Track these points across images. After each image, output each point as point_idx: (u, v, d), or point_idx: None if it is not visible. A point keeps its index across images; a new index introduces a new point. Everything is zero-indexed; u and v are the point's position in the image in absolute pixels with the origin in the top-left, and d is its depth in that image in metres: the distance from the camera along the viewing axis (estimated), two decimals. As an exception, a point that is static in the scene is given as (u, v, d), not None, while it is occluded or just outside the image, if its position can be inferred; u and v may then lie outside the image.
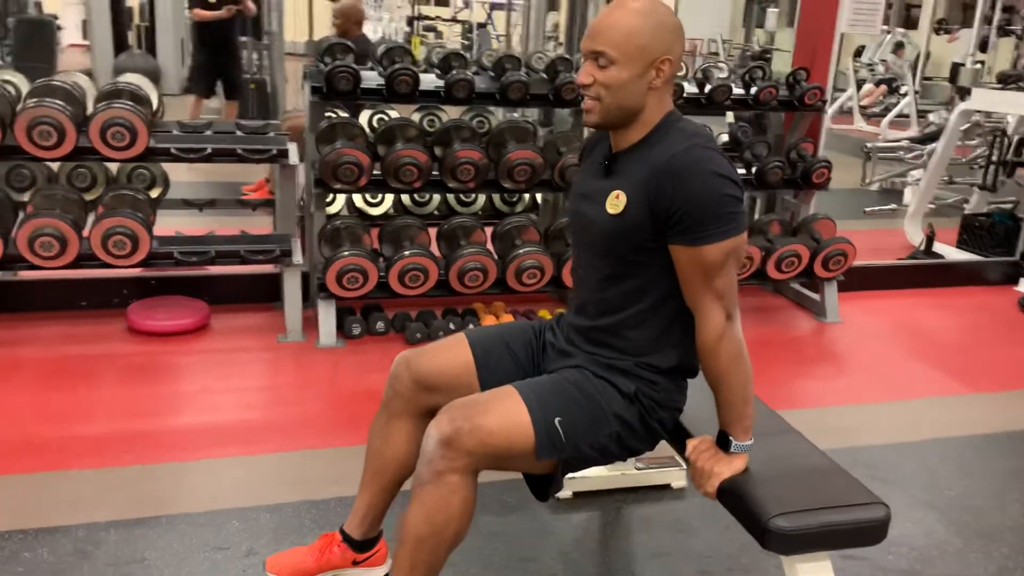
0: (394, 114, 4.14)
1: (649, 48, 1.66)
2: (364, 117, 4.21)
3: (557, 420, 1.71)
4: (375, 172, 3.53)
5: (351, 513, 2.05)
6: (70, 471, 2.53)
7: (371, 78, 3.60)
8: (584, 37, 1.73)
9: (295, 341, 3.54)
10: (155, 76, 10.34)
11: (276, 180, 3.83)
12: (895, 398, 3.46)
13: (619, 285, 1.78)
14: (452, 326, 3.62)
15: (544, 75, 3.80)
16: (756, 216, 4.61)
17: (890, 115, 10.63)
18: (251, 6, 7.55)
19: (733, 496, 1.72)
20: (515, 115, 4.33)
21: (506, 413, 1.70)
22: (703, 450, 1.80)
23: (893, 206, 6.47)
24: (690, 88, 4.08)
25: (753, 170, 4.16)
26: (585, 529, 2.43)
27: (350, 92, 3.54)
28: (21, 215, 3.33)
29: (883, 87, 12.88)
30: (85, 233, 3.28)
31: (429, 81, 3.69)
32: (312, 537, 2.17)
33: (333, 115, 3.85)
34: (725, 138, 4.80)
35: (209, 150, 3.43)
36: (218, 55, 7.41)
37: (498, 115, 4.33)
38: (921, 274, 4.97)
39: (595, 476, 2.55)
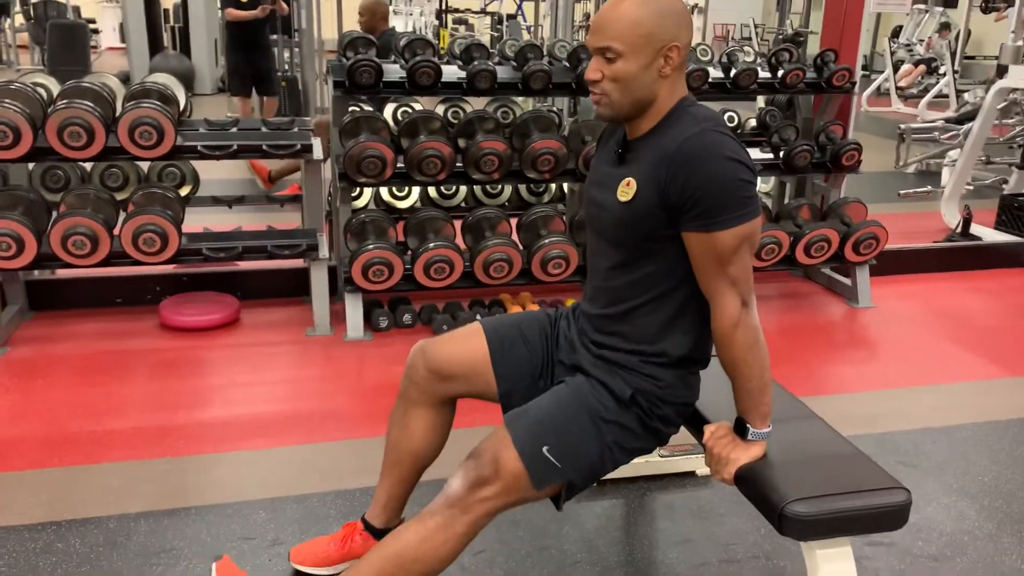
0: (419, 107, 4.16)
1: (655, 37, 1.65)
2: (389, 110, 4.23)
3: (545, 448, 1.70)
4: (399, 165, 3.54)
5: (372, 502, 2.07)
6: (102, 464, 2.59)
7: (393, 71, 3.61)
8: (591, 32, 1.71)
9: (323, 335, 3.58)
10: (189, 76, 10.53)
11: (302, 175, 3.87)
12: (928, 383, 3.40)
13: (628, 274, 1.77)
14: (479, 317, 3.63)
15: (567, 64, 3.79)
16: (786, 201, 4.56)
17: (928, 96, 10.42)
18: (284, 5, 7.60)
19: (750, 482, 1.71)
20: (542, 105, 4.33)
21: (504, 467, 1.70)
22: (720, 436, 1.79)
23: (928, 188, 6.34)
24: (715, 73, 4.04)
25: (781, 154, 4.11)
26: (608, 516, 2.43)
27: (372, 86, 3.57)
28: (55, 215, 3.39)
29: (922, 67, 12.61)
30: (116, 231, 3.35)
31: (451, 73, 3.70)
32: (337, 527, 2.20)
33: (357, 109, 3.88)
34: (753, 123, 4.75)
35: (235, 147, 3.48)
36: (252, 54, 7.47)
37: (526, 105, 4.33)
38: (957, 257, 4.87)
39: (618, 464, 2.55)
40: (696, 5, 16.51)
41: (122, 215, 3.54)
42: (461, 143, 3.64)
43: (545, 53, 3.86)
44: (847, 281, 4.25)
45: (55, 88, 3.58)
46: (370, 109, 3.98)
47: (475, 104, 4.21)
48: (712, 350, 1.80)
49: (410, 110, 4.03)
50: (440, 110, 4.17)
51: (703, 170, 1.62)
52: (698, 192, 1.62)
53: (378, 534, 2.05)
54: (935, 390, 3.35)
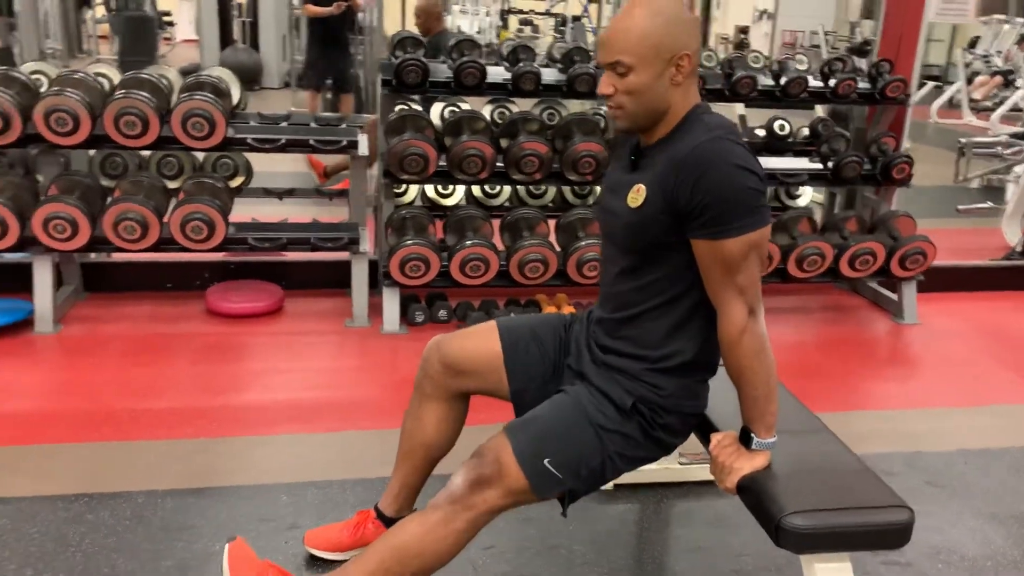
0: (467, 107, 4.20)
1: (663, 47, 1.66)
2: (437, 110, 4.28)
3: (547, 461, 1.72)
4: (441, 164, 3.59)
5: (386, 491, 2.12)
6: (138, 441, 2.69)
7: (440, 71, 3.67)
8: (599, 48, 1.74)
9: (361, 326, 3.65)
10: (256, 70, 10.78)
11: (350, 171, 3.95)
12: (970, 404, 3.32)
13: (636, 279, 1.77)
14: (512, 315, 3.66)
15: None
16: (835, 212, 4.49)
17: (1001, 109, 10.09)
18: (359, 2, 7.69)
19: (751, 492, 1.70)
20: (590, 108, 4.34)
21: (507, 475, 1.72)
22: (725, 445, 1.79)
23: (988, 204, 6.15)
24: (764, 80, 4.00)
25: (829, 164, 4.04)
26: (622, 520, 2.43)
27: (419, 85, 3.63)
28: (110, 200, 3.53)
29: (998, 79, 12.20)
30: (166, 218, 3.47)
31: (497, 74, 3.74)
32: (354, 514, 2.25)
33: (406, 108, 3.95)
34: (807, 132, 4.68)
35: (283, 141, 3.57)
36: (328, 50, 7.56)
37: (575, 108, 4.34)
38: (1015, 276, 4.73)
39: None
40: (765, 11, 16.29)
41: (173, 203, 3.66)
42: (503, 143, 3.68)
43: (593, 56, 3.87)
44: (894, 296, 4.16)
45: (117, 79, 3.72)
46: (419, 108, 4.04)
47: (524, 106, 4.24)
48: (719, 358, 1.80)
49: (457, 110, 4.08)
50: (487, 110, 4.21)
51: (712, 177, 1.63)
52: (706, 199, 1.63)
53: (390, 522, 2.10)
54: (976, 411, 3.26)
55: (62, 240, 3.31)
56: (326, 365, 3.35)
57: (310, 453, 2.70)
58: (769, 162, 4.22)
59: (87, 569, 2.08)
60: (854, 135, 4.44)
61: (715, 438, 1.82)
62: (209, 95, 3.43)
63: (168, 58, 13.72)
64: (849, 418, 3.15)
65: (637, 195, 1.73)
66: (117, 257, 3.95)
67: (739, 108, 6.72)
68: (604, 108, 4.49)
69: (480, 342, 1.99)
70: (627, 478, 2.51)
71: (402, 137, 3.53)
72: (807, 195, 4.93)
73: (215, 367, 3.26)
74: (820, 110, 5.49)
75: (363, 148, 3.64)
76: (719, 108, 5.48)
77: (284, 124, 3.73)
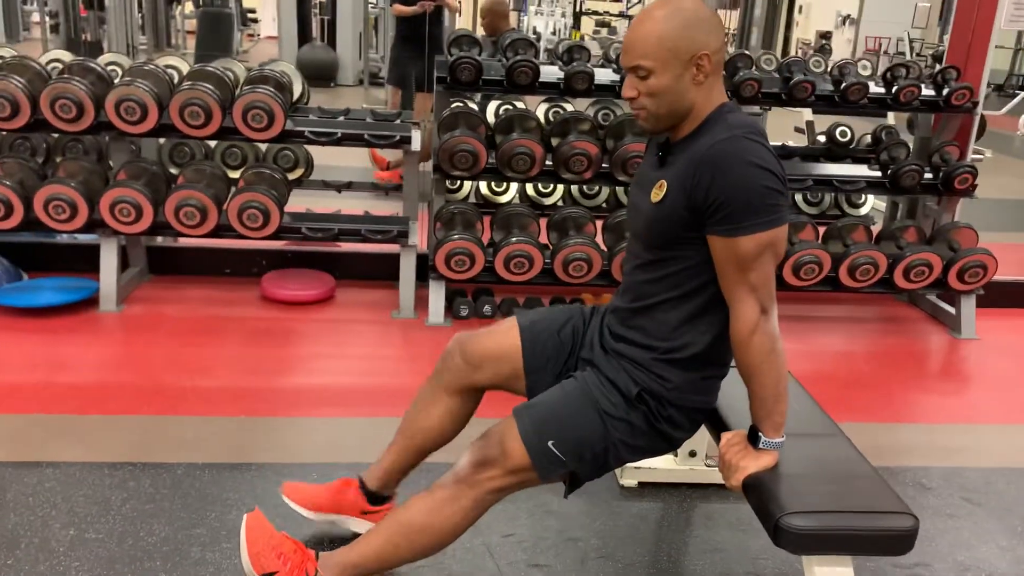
0: (521, 105, 4.26)
1: (682, 49, 1.68)
2: (492, 108, 4.35)
3: (551, 443, 1.76)
4: (491, 161, 3.65)
5: (375, 464, 2.17)
6: (183, 416, 2.82)
7: (494, 69, 3.72)
8: (622, 52, 1.77)
9: (407, 318, 3.74)
10: (332, 67, 11.03)
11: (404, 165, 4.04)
12: (1018, 422, 3.22)
13: (654, 271, 1.80)
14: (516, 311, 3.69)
15: None
16: (894, 221, 4.39)
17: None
18: (452, 2, 7.79)
19: (755, 491, 1.71)
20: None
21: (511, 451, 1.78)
22: (733, 444, 1.80)
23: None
24: (824, 86, 3.94)
25: (888, 172, 3.96)
26: (642, 517, 2.45)
27: (472, 83, 3.69)
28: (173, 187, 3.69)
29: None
30: (225, 206, 3.61)
31: (551, 73, 3.78)
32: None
33: (461, 105, 4.02)
34: (869, 139, 4.60)
35: (339, 135, 3.68)
36: (413, 48, 7.66)
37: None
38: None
39: (661, 468, 2.57)
40: (848, 16, 15.92)
41: (233, 191, 3.80)
42: (554, 142, 3.71)
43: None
44: (952, 310, 4.05)
45: (186, 71, 3.88)
46: (474, 106, 4.10)
47: (580, 106, 4.27)
48: (730, 356, 1.80)
49: (512, 108, 4.13)
50: (542, 109, 4.26)
51: (729, 175, 1.64)
52: (723, 196, 1.64)
53: (370, 496, 2.16)
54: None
55: (127, 223, 3.47)
56: (368, 353, 3.44)
57: (344, 436, 2.79)
58: (826, 168, 4.16)
59: (125, 532, 2.20)
60: (918, 144, 4.34)
61: (725, 436, 1.83)
62: (270, 89, 3.56)
63: (251, 53, 14.17)
64: (891, 430, 3.10)
65: (660, 190, 1.76)
66: (181, 242, 4.12)
67: (807, 114, 6.63)
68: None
69: (502, 339, 2.03)
70: (651, 476, 2.57)
71: (453, 133, 3.60)
72: (869, 203, 4.84)
73: (263, 350, 3.38)
74: (892, 118, 5.39)
75: (416, 143, 3.72)
76: (778, 113, 5.40)
77: (341, 118, 3.84)
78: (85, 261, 3.76)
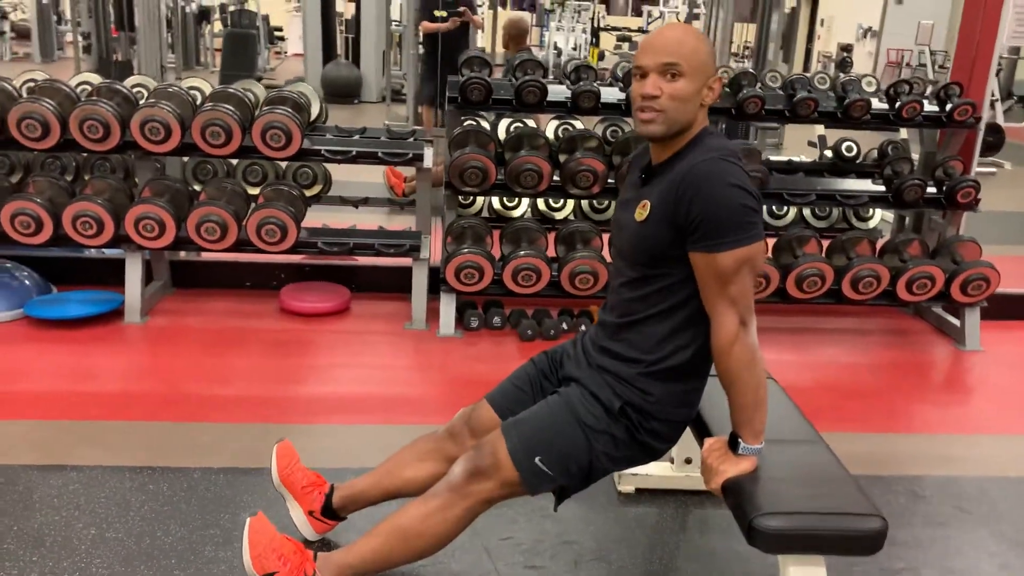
0: (531, 123, 4.37)
1: (708, 65, 1.80)
2: (503, 126, 4.46)
3: (538, 459, 1.86)
4: (499, 177, 3.76)
5: (352, 480, 2.25)
6: (202, 423, 2.95)
7: (503, 89, 3.84)
8: (645, 52, 1.83)
9: (419, 329, 3.85)
10: (356, 84, 11.23)
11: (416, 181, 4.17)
12: (1017, 432, 3.27)
13: (639, 288, 1.90)
14: (564, 326, 3.80)
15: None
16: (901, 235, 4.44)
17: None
18: (476, 19, 7.94)
19: (733, 493, 1.80)
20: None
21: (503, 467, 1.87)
22: (714, 449, 1.89)
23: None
24: (827, 103, 4.02)
25: (891, 186, 4.03)
26: (638, 522, 2.53)
27: (482, 102, 3.81)
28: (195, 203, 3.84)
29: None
30: (245, 222, 3.75)
31: (558, 92, 3.89)
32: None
33: (474, 123, 4.14)
34: (875, 154, 4.67)
35: (354, 153, 3.81)
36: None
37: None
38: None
39: (657, 475, 2.65)
40: (869, 29, 15.92)
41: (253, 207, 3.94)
42: (562, 159, 3.82)
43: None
44: (957, 322, 4.10)
45: (208, 92, 4.04)
46: (485, 124, 4.23)
47: (589, 124, 4.37)
48: (710, 367, 1.90)
49: (522, 125, 4.25)
50: (552, 127, 4.37)
51: (707, 194, 1.74)
52: (702, 215, 1.74)
53: (327, 506, 2.23)
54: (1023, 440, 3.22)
55: (150, 238, 3.63)
56: (380, 363, 3.56)
57: (354, 442, 2.91)
58: (831, 183, 4.24)
59: (143, 532, 2.33)
60: (923, 158, 4.40)
61: (707, 442, 1.93)
62: (288, 109, 3.70)
63: (278, 71, 14.44)
64: (888, 439, 3.16)
65: (643, 210, 1.86)
66: (204, 256, 4.28)
67: (819, 128, 6.70)
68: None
69: (485, 410, 2.12)
70: (648, 483, 2.65)
71: (464, 151, 3.72)
72: (877, 217, 4.89)
73: (280, 360, 3.51)
74: (905, 133, 5.44)
75: (428, 161, 3.84)
76: (795, 127, 5.48)
77: (356, 137, 3.97)
78: (111, 275, 3.91)
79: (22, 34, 15.32)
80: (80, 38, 9.98)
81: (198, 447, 2.79)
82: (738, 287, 1.77)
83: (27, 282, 3.84)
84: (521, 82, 3.77)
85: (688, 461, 2.65)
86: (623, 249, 1.96)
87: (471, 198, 4.46)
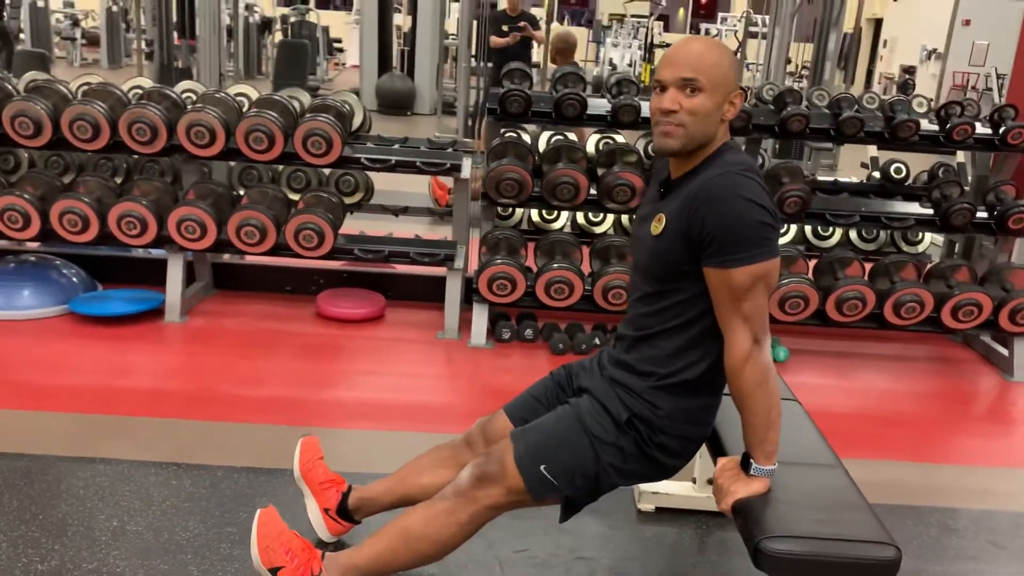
0: (572, 137, 4.37)
1: (729, 80, 1.78)
2: (543, 139, 4.47)
3: (543, 467, 1.84)
4: (536, 189, 3.76)
5: (372, 484, 2.26)
6: (229, 423, 2.99)
7: (543, 101, 3.85)
8: (665, 66, 1.82)
9: (451, 338, 3.86)
10: (410, 96, 11.36)
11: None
12: (1064, 468, 3.15)
13: (654, 303, 1.87)
14: (597, 340, 3.77)
15: (771, 106, 3.96)
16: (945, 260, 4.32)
17: None
18: (537, 34, 8.02)
19: (742, 514, 1.76)
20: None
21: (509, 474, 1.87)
22: (727, 469, 1.86)
23: None
24: (874, 124, 3.94)
25: (940, 210, 3.93)
26: (656, 541, 2.49)
27: (521, 114, 3.82)
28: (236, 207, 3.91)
29: None
30: (285, 227, 3.81)
31: (599, 105, 3.88)
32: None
33: (515, 136, 4.15)
34: (925, 176, 4.55)
35: (393, 161, 3.85)
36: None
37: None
38: None
39: (679, 495, 2.61)
40: (934, 51, 15.58)
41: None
42: (600, 172, 3.81)
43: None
44: (1005, 352, 3.97)
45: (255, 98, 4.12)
46: (526, 137, 4.23)
47: (630, 138, 4.36)
48: (723, 384, 1.86)
49: (562, 139, 4.25)
50: (593, 140, 4.36)
51: (722, 209, 1.72)
52: (716, 230, 1.72)
53: (343, 506, 2.25)
54: (1070, 477, 3.09)
55: (192, 240, 3.70)
56: (410, 371, 3.57)
57: (378, 448, 2.92)
58: (876, 204, 4.15)
59: (163, 526, 2.37)
60: (975, 182, 4.29)
61: (720, 461, 1.89)
62: (330, 117, 3.75)
63: (335, 81, 14.69)
64: (924, 469, 3.07)
65: (659, 224, 1.84)
66: (246, 260, 4.35)
67: (872, 150, 6.56)
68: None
69: (502, 420, 2.13)
70: (669, 502, 2.61)
71: (500, 162, 3.73)
72: (927, 242, 4.77)
73: (312, 364, 3.54)
74: (961, 155, 5.30)
75: (466, 171, 3.86)
76: (850, 149, 5.45)
77: (396, 146, 4.01)
78: (156, 275, 4.00)
79: (92, 41, 15.85)
80: (144, 45, 10.28)
81: (224, 446, 2.83)
82: (752, 304, 1.74)
83: (74, 279, 3.95)
84: (561, 95, 3.77)
85: (711, 481, 2.59)
86: (640, 263, 1.95)
87: (510, 210, 4.47)
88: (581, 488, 1.88)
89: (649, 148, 4.25)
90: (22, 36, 13.49)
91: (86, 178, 3.93)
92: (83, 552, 2.23)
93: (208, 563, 2.23)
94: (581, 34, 14.46)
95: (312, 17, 14.53)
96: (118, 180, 4.22)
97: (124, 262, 4.27)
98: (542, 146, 4.31)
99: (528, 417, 2.05)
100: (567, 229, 4.55)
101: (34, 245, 4.19)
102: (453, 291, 3.88)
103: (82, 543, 2.26)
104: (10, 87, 3.81)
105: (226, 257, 4.37)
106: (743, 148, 4.27)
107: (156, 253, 4.13)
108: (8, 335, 3.57)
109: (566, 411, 1.92)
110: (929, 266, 4.05)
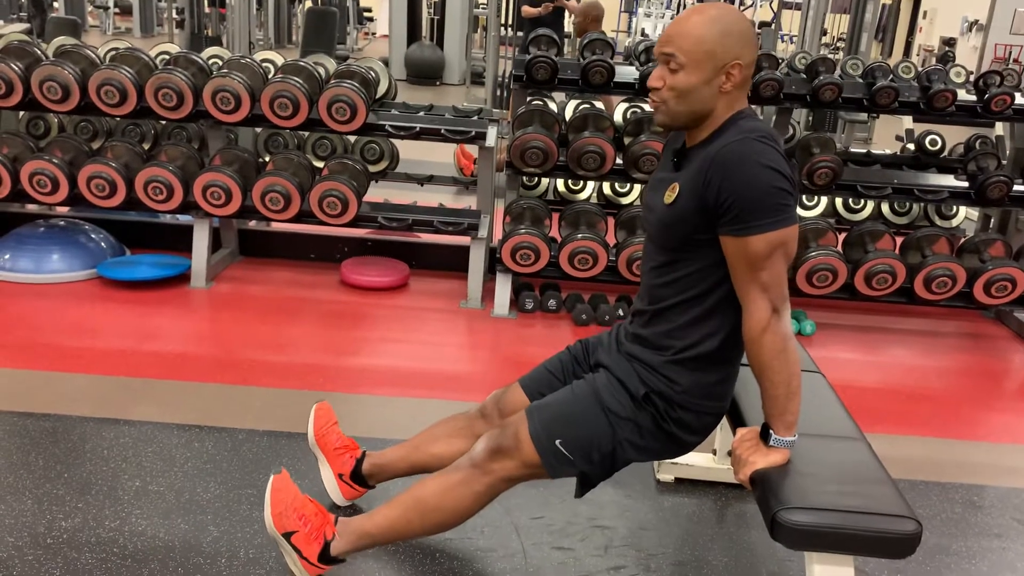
0: (600, 105, 4.31)
1: (717, 54, 1.72)
2: (570, 107, 4.41)
3: (558, 442, 1.83)
4: (561, 159, 3.72)
5: (385, 451, 2.26)
6: (252, 387, 3.02)
7: (569, 68, 3.80)
8: (659, 40, 1.81)
9: (473, 308, 3.85)
10: (439, 66, 11.29)
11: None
12: (1095, 447, 3.08)
13: (668, 274, 1.84)
14: (621, 312, 3.74)
15: (803, 75, 3.89)
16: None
17: None
18: (570, 3, 7.94)
19: (760, 485, 1.73)
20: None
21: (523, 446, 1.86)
22: (746, 439, 1.83)
23: None
24: (909, 94, 3.84)
25: (975, 183, 3.83)
26: (674, 512, 2.48)
27: (547, 81, 3.78)
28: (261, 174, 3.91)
29: None
30: (309, 194, 3.81)
31: (626, 73, 3.82)
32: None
33: (541, 103, 4.11)
34: (961, 148, 4.44)
35: (417, 129, 3.83)
36: None
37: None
38: None
39: (699, 466, 2.59)
40: (976, 22, 15.20)
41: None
42: (626, 141, 3.76)
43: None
44: (1039, 328, 3.89)
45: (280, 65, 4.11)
46: (552, 105, 4.19)
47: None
48: (740, 356, 1.83)
49: (590, 107, 4.19)
50: (621, 109, 4.30)
51: (738, 175, 1.67)
52: (732, 196, 1.68)
53: (357, 471, 2.25)
54: (1103, 456, 3.03)
55: (217, 206, 3.72)
56: (432, 339, 3.57)
57: (398, 414, 2.93)
58: (909, 176, 4.06)
59: (183, 487, 2.39)
60: (1014, 155, 4.18)
61: (739, 432, 1.86)
62: (355, 84, 3.74)
63: (365, 51, 14.66)
64: (950, 445, 3.02)
65: (672, 193, 1.80)
66: (272, 227, 4.36)
67: (907, 121, 6.43)
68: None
69: (517, 393, 2.12)
70: (689, 473, 2.59)
71: (525, 130, 3.69)
72: (961, 215, 4.67)
73: (335, 331, 3.56)
74: (1000, 128, 5.17)
75: (491, 139, 3.83)
76: (886, 120, 5.37)
77: (422, 114, 3.98)
78: (182, 240, 4.02)
79: (125, 10, 15.92)
80: (175, 13, 10.31)
81: (245, 409, 2.85)
82: (770, 273, 1.70)
83: (102, 244, 3.99)
84: (588, 62, 3.72)
85: (731, 453, 2.57)
86: (652, 233, 1.90)
87: (535, 180, 4.43)
88: (597, 464, 1.86)
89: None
90: (56, 4, 13.58)
91: (114, 143, 3.95)
92: (106, 510, 2.26)
93: (227, 524, 2.25)
94: (613, 4, 14.26)
95: (342, -14, 14.47)
96: (145, 146, 4.24)
97: (152, 228, 4.30)
98: (569, 116, 4.26)
99: (544, 391, 2.04)
100: (593, 200, 4.51)
101: (64, 210, 4.23)
102: (477, 261, 3.86)
103: (105, 502, 2.29)
104: (39, 52, 3.83)
105: (252, 224, 4.38)
106: (773, 119, 4.20)
107: (183, 219, 4.16)
108: (37, 298, 3.62)
109: (582, 386, 1.91)
110: (962, 240, 3.97)
